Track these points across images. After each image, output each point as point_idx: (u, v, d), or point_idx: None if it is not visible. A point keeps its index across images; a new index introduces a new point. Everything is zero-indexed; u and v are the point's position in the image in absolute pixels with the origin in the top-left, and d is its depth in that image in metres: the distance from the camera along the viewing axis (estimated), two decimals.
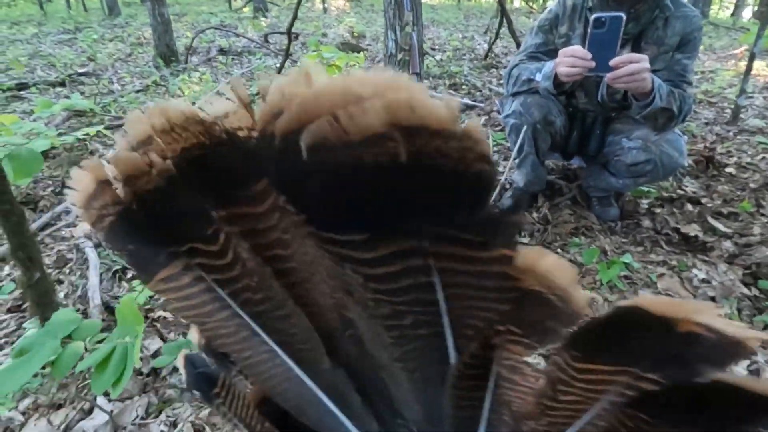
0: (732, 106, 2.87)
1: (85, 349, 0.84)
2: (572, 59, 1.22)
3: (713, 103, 3.21)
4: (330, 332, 0.30)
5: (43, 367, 0.87)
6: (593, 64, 1.19)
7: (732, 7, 14.41)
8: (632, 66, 1.16)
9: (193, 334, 0.36)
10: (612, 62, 1.17)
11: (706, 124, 2.82)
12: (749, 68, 2.63)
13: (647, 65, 1.17)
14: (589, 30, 1.19)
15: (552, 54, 1.54)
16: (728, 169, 2.11)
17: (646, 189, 1.86)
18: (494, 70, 4.06)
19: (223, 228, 0.26)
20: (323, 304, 0.29)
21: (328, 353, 0.31)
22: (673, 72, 1.38)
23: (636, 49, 1.40)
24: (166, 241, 0.27)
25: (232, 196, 0.25)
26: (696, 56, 1.41)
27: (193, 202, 0.25)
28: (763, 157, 2.25)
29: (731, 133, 2.60)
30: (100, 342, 0.88)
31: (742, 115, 2.79)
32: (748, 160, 2.22)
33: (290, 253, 0.27)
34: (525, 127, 1.46)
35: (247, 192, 0.25)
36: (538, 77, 1.41)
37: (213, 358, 0.37)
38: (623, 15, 1.15)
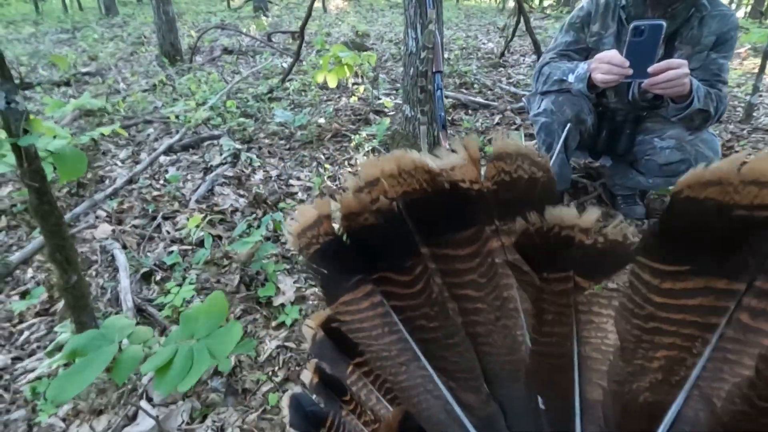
0: (743, 105, 2.88)
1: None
2: (609, 66, 1.19)
3: None
4: (497, 371, 0.33)
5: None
6: (630, 71, 1.17)
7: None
8: (671, 72, 1.14)
9: (306, 374, 0.40)
10: (651, 69, 1.15)
11: (720, 122, 2.82)
12: (763, 66, 2.64)
13: (686, 70, 1.15)
14: (627, 38, 1.17)
15: (583, 52, 1.53)
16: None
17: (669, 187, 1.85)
18: (503, 69, 4.05)
19: (423, 262, 0.30)
20: (500, 344, 0.32)
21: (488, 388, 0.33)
22: (709, 71, 1.37)
23: (670, 47, 1.40)
24: (358, 269, 0.31)
25: (441, 238, 0.29)
26: (732, 56, 1.40)
27: (401, 238, 0.29)
28: None
29: (745, 132, 2.61)
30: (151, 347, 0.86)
31: (754, 114, 2.80)
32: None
33: (481, 296, 0.30)
34: (567, 126, 1.44)
35: (457, 236, 0.29)
36: (571, 78, 1.39)
37: (323, 397, 0.40)
38: (663, 23, 1.13)
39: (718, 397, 0.25)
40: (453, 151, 0.27)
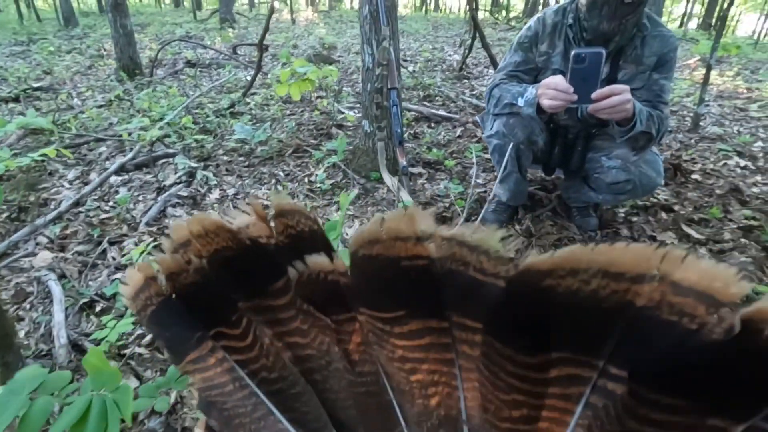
0: (691, 115, 3.01)
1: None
2: (554, 92, 1.22)
3: (674, 111, 3.37)
4: (343, 417, 0.33)
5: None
6: (575, 97, 1.21)
7: (679, 19, 15.34)
8: (614, 98, 1.17)
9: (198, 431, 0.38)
10: (594, 95, 1.19)
11: (670, 132, 2.94)
12: (707, 78, 2.77)
13: (629, 96, 1.19)
14: (570, 65, 1.20)
15: (532, 72, 1.56)
16: (694, 176, 2.20)
17: None
18: (466, 81, 4.12)
19: (246, 315, 0.31)
20: (338, 389, 0.32)
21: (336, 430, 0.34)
22: (651, 92, 1.42)
23: (615, 67, 1.44)
24: (197, 326, 0.32)
25: (256, 290, 0.30)
26: (672, 76, 1.46)
27: (221, 293, 0.30)
28: (725, 164, 2.36)
29: (693, 141, 2.72)
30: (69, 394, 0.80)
31: (701, 123, 2.93)
32: (711, 166, 2.33)
33: (308, 341, 0.31)
34: (510, 148, 1.46)
35: (270, 287, 0.30)
36: (521, 102, 1.41)
37: None
38: (603, 51, 1.17)
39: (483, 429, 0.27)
40: (245, 211, 0.30)
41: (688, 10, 14.03)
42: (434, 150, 2.43)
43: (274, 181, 2.20)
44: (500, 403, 0.24)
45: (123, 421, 0.99)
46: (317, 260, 0.27)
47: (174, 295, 0.30)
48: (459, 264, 0.22)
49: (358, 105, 3.36)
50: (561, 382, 0.22)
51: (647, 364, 0.19)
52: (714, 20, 10.71)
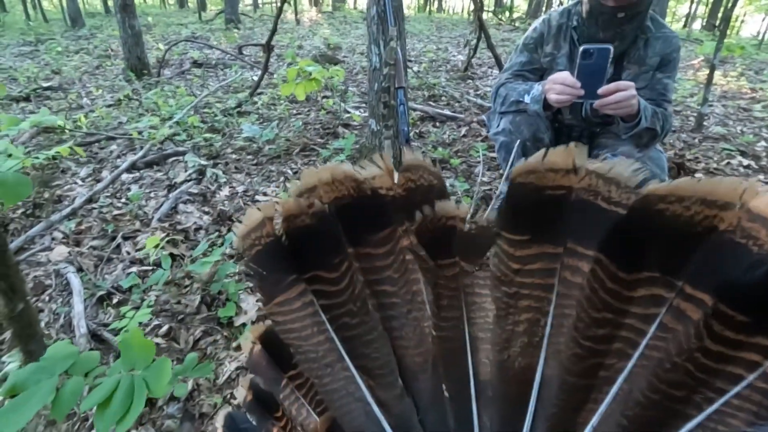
0: (695, 115, 3.03)
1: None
2: (561, 87, 1.24)
3: (678, 111, 3.39)
4: (410, 364, 0.36)
5: None
6: (582, 92, 1.23)
7: (683, 19, 15.31)
8: (620, 94, 1.19)
9: (240, 391, 0.41)
10: (600, 91, 1.21)
11: (674, 131, 2.96)
12: (710, 78, 2.80)
13: (634, 92, 1.21)
14: (577, 60, 1.22)
15: (537, 72, 1.59)
16: (697, 175, 2.22)
17: None
18: (470, 81, 4.15)
19: (348, 261, 0.34)
20: (411, 337, 0.35)
21: (402, 381, 0.36)
22: (655, 91, 1.44)
23: (619, 67, 1.46)
24: (293, 269, 0.34)
25: (363, 238, 0.34)
26: (675, 75, 1.48)
27: (332, 238, 0.34)
28: (728, 163, 2.39)
29: (696, 140, 2.74)
30: (97, 376, 0.84)
31: (705, 123, 2.95)
32: (715, 165, 2.35)
33: (396, 290, 0.35)
34: (516, 145, 1.49)
35: (376, 236, 0.34)
36: (527, 99, 1.44)
37: (256, 415, 0.41)
38: (611, 47, 1.19)
39: (562, 350, 0.30)
40: (374, 163, 0.33)
41: (692, 11, 14.01)
42: (439, 149, 2.47)
43: (282, 178, 2.23)
44: (590, 321, 0.28)
45: (151, 402, 1.03)
46: (445, 205, 0.31)
47: (285, 237, 0.33)
48: (590, 194, 0.27)
49: (363, 105, 3.40)
50: (643, 303, 0.27)
51: (724, 284, 0.23)
52: (718, 21, 10.70)
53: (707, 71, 2.92)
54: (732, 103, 3.56)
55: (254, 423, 0.41)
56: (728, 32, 2.90)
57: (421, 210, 0.31)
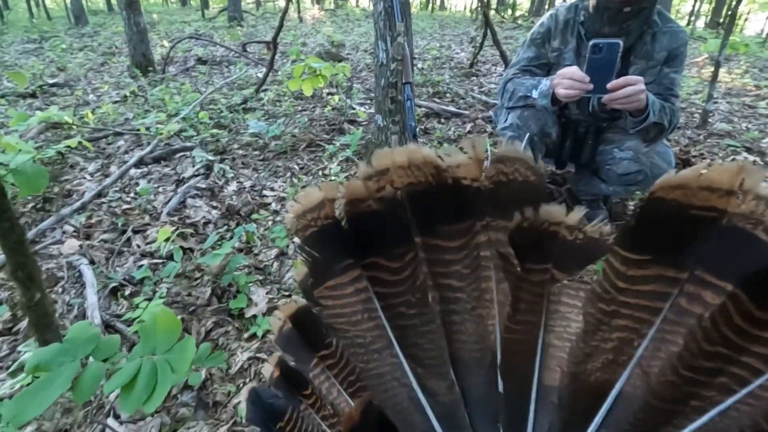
0: (700, 111, 3.03)
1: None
2: (570, 81, 1.25)
3: (682, 108, 3.39)
4: (465, 358, 0.35)
5: None
6: (591, 86, 1.23)
7: (686, 17, 15.26)
8: (629, 89, 1.20)
9: (268, 367, 0.40)
10: (609, 86, 1.21)
11: (679, 128, 2.97)
12: (715, 75, 2.80)
13: (643, 87, 1.21)
14: (587, 55, 1.23)
15: (544, 67, 1.59)
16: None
17: None
18: (475, 78, 4.15)
19: (414, 251, 0.32)
20: (471, 333, 0.34)
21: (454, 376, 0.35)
22: (662, 86, 1.45)
23: (626, 62, 1.47)
24: (349, 254, 0.32)
25: (435, 229, 0.31)
26: (682, 70, 1.48)
27: (399, 225, 0.31)
28: (734, 159, 2.39)
29: (702, 137, 2.75)
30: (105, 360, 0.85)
31: (710, 120, 2.95)
32: (720, 162, 2.36)
33: (462, 286, 0.33)
34: (525, 140, 1.50)
35: (450, 228, 0.31)
36: (535, 94, 1.44)
37: (283, 391, 0.39)
38: (620, 42, 1.19)
39: (653, 373, 0.29)
40: (461, 149, 0.31)
41: (696, 9, 13.95)
42: (445, 145, 2.48)
43: (289, 174, 2.25)
44: (699, 352, 0.26)
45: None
46: (552, 210, 0.29)
47: (345, 220, 0.31)
48: (749, 222, 0.23)
49: (368, 101, 3.41)
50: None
51: (735, 268, 0.23)
52: (722, 18, 10.66)
53: (711, 69, 2.92)
54: (737, 100, 3.56)
55: (281, 397, 0.39)
56: (732, 30, 2.90)
57: (520, 210, 0.29)
